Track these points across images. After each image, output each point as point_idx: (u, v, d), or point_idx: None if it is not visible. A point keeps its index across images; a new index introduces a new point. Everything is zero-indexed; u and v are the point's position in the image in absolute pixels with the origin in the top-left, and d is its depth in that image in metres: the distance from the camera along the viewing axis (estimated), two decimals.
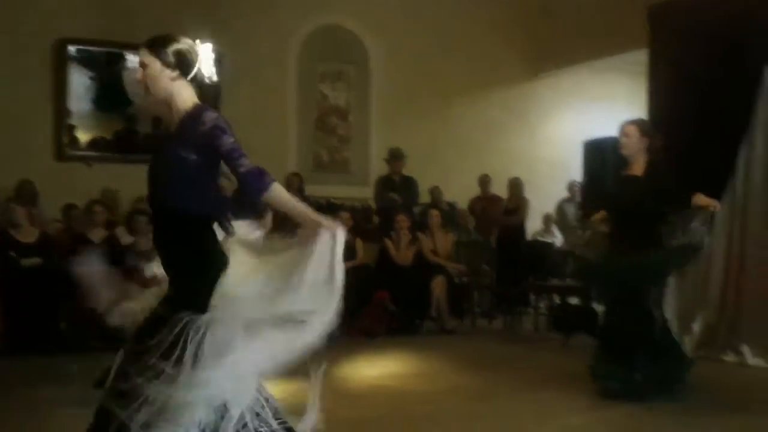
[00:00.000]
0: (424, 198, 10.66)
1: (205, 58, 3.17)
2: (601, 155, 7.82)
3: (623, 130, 5.68)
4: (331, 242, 2.95)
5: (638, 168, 5.65)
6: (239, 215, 3.24)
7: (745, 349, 6.85)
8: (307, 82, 11.21)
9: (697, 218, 5.39)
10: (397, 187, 10.02)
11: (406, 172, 10.16)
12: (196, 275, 3.01)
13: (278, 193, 2.98)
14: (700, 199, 5.39)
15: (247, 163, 2.95)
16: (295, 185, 9.37)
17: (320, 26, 11.21)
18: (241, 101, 9.56)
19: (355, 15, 11.36)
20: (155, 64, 3.08)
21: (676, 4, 7.96)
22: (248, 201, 3.05)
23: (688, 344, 6.88)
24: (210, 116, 3.00)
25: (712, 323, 7.06)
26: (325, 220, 2.99)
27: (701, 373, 5.74)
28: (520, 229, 10.63)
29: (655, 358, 5.52)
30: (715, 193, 5.84)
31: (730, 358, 6.72)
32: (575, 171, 10.98)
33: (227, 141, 2.97)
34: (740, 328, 6.84)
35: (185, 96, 3.11)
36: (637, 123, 5.73)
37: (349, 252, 8.48)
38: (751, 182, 7.06)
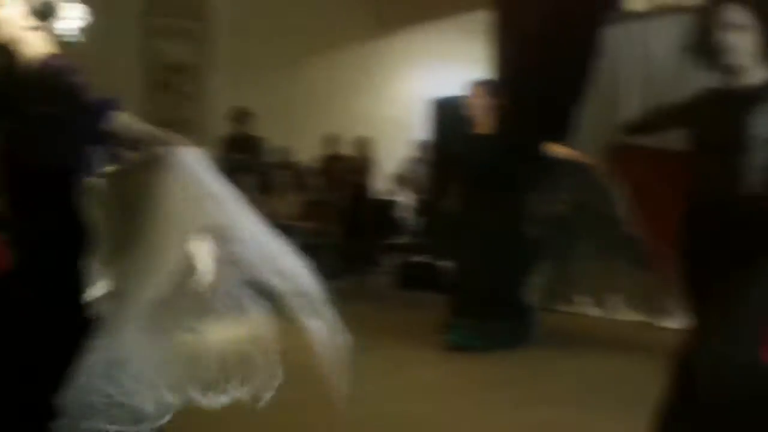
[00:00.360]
0: (271, 158, 10.48)
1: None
2: (448, 114, 7.84)
3: (469, 90, 5.74)
4: (188, 159, 2.78)
5: (486, 127, 5.72)
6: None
7: (585, 300, 7.14)
8: (149, 36, 10.73)
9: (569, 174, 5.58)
10: (242, 146, 9.79)
11: (252, 131, 9.94)
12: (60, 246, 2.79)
13: (123, 119, 2.85)
14: (557, 148, 5.54)
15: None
16: None
17: None
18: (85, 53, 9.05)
19: None
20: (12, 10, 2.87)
21: None
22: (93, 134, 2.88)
23: (532, 295, 7.10)
24: (56, 63, 2.85)
25: (553, 275, 7.27)
26: (175, 136, 2.85)
27: (545, 323, 6.00)
28: (368, 188, 10.63)
29: (503, 310, 5.69)
30: None
31: (571, 308, 6.95)
32: (422, 130, 11.09)
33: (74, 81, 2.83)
34: (580, 279, 7.07)
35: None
36: (484, 83, 5.81)
37: None
38: (588, 142, 7.27)
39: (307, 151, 11.04)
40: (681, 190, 2.80)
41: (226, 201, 2.77)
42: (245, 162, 9.59)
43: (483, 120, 5.73)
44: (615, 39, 7.14)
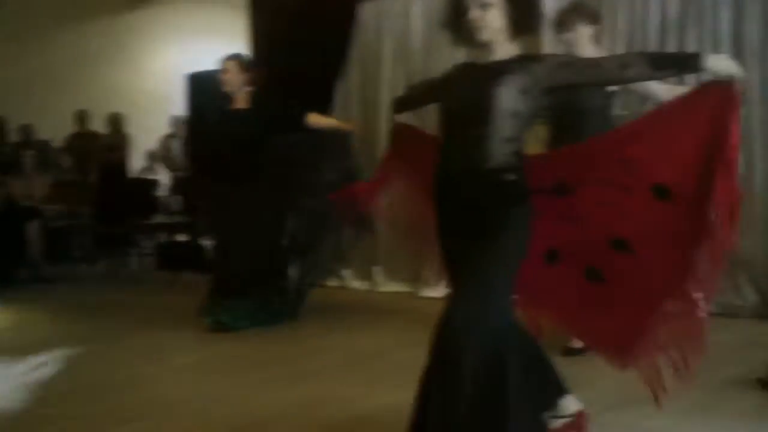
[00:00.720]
0: (14, 137, 9.80)
1: None
2: (205, 89, 7.67)
3: (223, 66, 5.66)
4: None
5: (242, 102, 5.68)
6: None
7: (347, 274, 7.23)
8: None
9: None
10: None
11: None
12: None
13: None
14: (317, 119, 5.56)
15: None
16: None
17: None
18: None
19: None
20: None
21: None
22: None
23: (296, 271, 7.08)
24: None
25: (319, 250, 7.28)
26: None
27: (313, 298, 6.00)
28: (122, 166, 10.18)
29: (265, 288, 5.66)
30: None
31: (333, 282, 6.99)
32: (179, 105, 10.74)
33: None
34: (345, 253, 7.13)
35: None
36: (237, 57, 5.74)
37: None
38: (348, 114, 7.33)
39: (54, 130, 10.40)
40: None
41: None
42: None
43: (237, 95, 5.66)
44: (376, 14, 7.21)
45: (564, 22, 4.45)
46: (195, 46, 11.48)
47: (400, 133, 3.45)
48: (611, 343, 2.89)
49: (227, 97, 5.71)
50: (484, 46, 2.77)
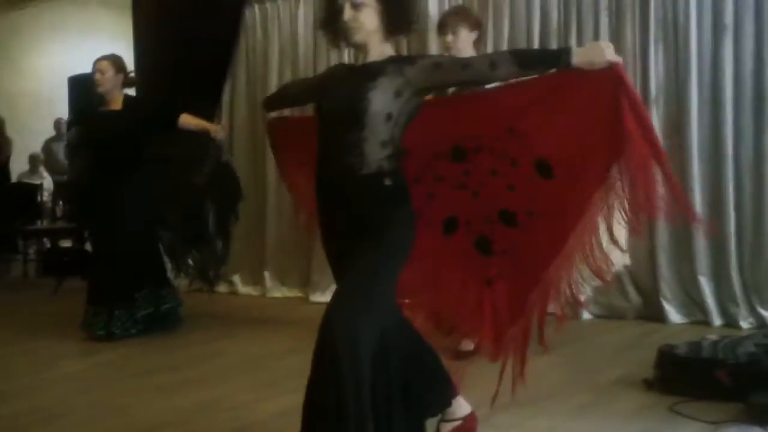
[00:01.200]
0: None
1: None
2: (86, 91, 7.52)
3: (97, 67, 5.57)
4: None
5: (116, 103, 5.60)
6: None
7: (236, 279, 7.19)
8: None
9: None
10: None
11: None
12: None
13: None
14: (188, 119, 5.52)
15: None
16: None
17: None
18: None
19: None
20: None
21: None
22: None
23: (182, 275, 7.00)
24: None
25: (206, 254, 7.21)
26: None
27: (202, 304, 5.97)
28: (4, 170, 9.92)
29: (148, 293, 5.55)
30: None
31: (222, 288, 6.93)
32: (62, 107, 10.49)
33: None
34: (231, 260, 7.08)
35: None
36: (111, 58, 5.63)
37: None
38: (237, 115, 7.31)
39: None
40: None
41: None
42: None
43: (111, 95, 5.58)
44: (263, 17, 7.21)
45: (445, 25, 4.54)
46: (79, 47, 11.23)
47: (275, 128, 3.49)
48: (489, 331, 2.92)
49: (102, 99, 5.63)
50: (359, 47, 2.79)
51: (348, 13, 2.70)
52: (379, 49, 2.76)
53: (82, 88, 7.87)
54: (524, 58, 2.65)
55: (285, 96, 3.37)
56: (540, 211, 2.80)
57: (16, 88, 11.47)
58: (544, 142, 2.76)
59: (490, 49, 5.72)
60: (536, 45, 5.79)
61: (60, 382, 4.51)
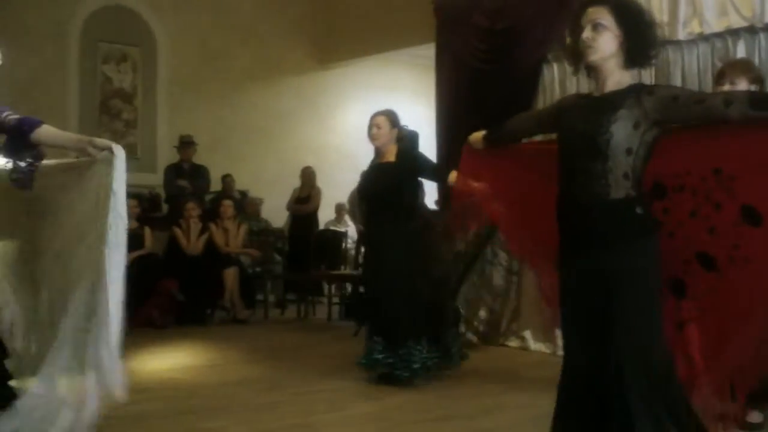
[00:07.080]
0: (216, 186, 10.43)
1: None
2: None
3: (373, 122, 5.72)
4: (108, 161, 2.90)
5: (390, 155, 5.70)
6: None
7: (527, 335, 7.19)
8: (90, 63, 10.59)
9: None
10: (186, 174, 9.77)
11: (197, 160, 9.93)
12: None
13: (47, 129, 3.05)
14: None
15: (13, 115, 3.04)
16: None
17: (103, 5, 10.62)
18: (20, 80, 8.99)
19: None
20: None
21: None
22: (20, 144, 3.05)
23: (475, 329, 7.15)
24: None
25: (497, 310, 7.34)
26: (99, 139, 2.99)
27: (487, 356, 6.02)
28: (313, 218, 10.63)
29: (434, 343, 5.58)
30: None
31: (513, 343, 6.98)
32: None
33: None
34: (522, 316, 7.13)
35: None
36: (386, 113, 5.78)
37: (137, 241, 8.15)
38: None
39: (251, 181, 11.00)
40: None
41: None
42: (190, 190, 9.58)
43: (385, 148, 5.73)
44: (563, 75, 7.17)
45: (724, 75, 4.36)
46: (378, 104, 11.80)
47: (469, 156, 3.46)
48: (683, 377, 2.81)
49: (377, 152, 5.81)
50: (593, 69, 2.79)
51: (588, 32, 2.73)
52: (617, 78, 2.76)
53: None
54: (758, 99, 2.58)
55: (512, 130, 3.31)
56: (744, 258, 2.69)
57: (323, 141, 12.25)
58: (755, 188, 2.66)
59: None
60: None
61: (357, 420, 4.71)
